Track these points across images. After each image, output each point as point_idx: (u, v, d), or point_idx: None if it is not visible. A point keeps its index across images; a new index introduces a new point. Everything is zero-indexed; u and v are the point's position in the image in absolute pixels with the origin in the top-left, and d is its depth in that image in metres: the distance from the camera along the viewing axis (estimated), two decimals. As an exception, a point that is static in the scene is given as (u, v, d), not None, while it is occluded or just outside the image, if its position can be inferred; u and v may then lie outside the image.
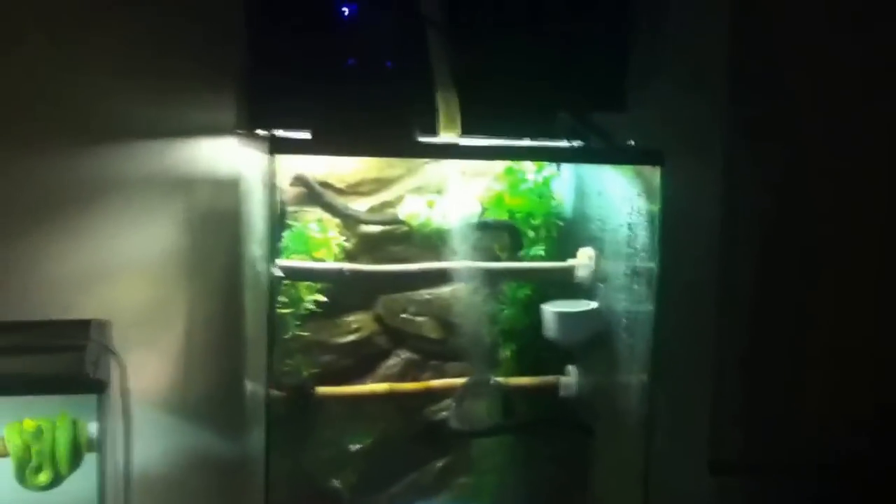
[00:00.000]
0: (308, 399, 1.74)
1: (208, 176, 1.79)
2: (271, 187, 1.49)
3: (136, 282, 1.78)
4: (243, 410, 1.77)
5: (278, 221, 1.65)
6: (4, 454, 1.54)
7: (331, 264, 1.73)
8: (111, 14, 1.71)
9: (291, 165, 1.72)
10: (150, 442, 1.76)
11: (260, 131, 1.68)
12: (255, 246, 1.64)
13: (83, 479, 1.53)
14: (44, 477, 1.53)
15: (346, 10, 1.63)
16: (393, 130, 1.57)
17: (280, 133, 1.65)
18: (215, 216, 1.79)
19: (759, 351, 2.17)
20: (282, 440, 1.64)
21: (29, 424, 1.54)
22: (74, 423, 1.55)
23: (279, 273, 1.62)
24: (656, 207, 1.62)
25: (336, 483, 1.83)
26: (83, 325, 1.67)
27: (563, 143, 1.73)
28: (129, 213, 1.76)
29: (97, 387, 1.45)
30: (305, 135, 1.57)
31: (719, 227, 2.09)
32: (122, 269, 1.77)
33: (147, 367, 1.77)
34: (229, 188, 1.79)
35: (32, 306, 1.70)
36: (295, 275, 1.69)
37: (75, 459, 1.54)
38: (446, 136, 1.65)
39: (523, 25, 1.79)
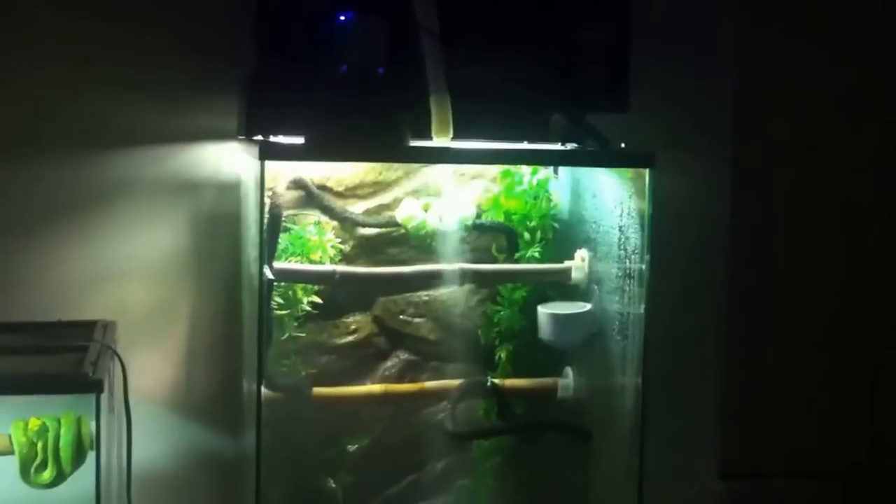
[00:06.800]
0: (304, 400, 1.76)
1: (211, 181, 1.83)
2: (261, 191, 1.51)
3: (142, 283, 1.82)
4: (242, 410, 1.81)
5: (274, 224, 1.68)
6: (10, 452, 1.57)
7: (322, 267, 1.75)
8: (121, 30, 1.76)
9: (290, 169, 1.74)
10: (151, 440, 1.77)
11: (258, 137, 1.70)
12: (250, 248, 1.67)
13: (85, 477, 1.54)
14: (47, 474, 1.54)
15: (342, 17, 1.65)
16: (385, 135, 1.59)
17: (278, 138, 1.67)
18: (218, 219, 1.83)
19: (766, 353, 2.15)
20: (278, 441, 1.67)
21: (34, 422, 1.56)
22: (78, 421, 1.56)
23: (270, 275, 1.64)
24: (647, 208, 1.61)
25: (332, 484, 1.85)
26: (89, 326, 1.69)
27: (558, 146, 1.73)
28: (135, 217, 1.80)
29: (94, 386, 1.46)
30: (301, 140, 1.59)
31: (725, 227, 2.07)
32: (129, 271, 1.81)
33: (150, 367, 1.80)
34: (231, 192, 1.82)
35: (43, 307, 1.74)
36: (287, 277, 1.71)
37: (78, 457, 1.55)
38: (439, 140, 1.66)
39: (521, 24, 1.78)
